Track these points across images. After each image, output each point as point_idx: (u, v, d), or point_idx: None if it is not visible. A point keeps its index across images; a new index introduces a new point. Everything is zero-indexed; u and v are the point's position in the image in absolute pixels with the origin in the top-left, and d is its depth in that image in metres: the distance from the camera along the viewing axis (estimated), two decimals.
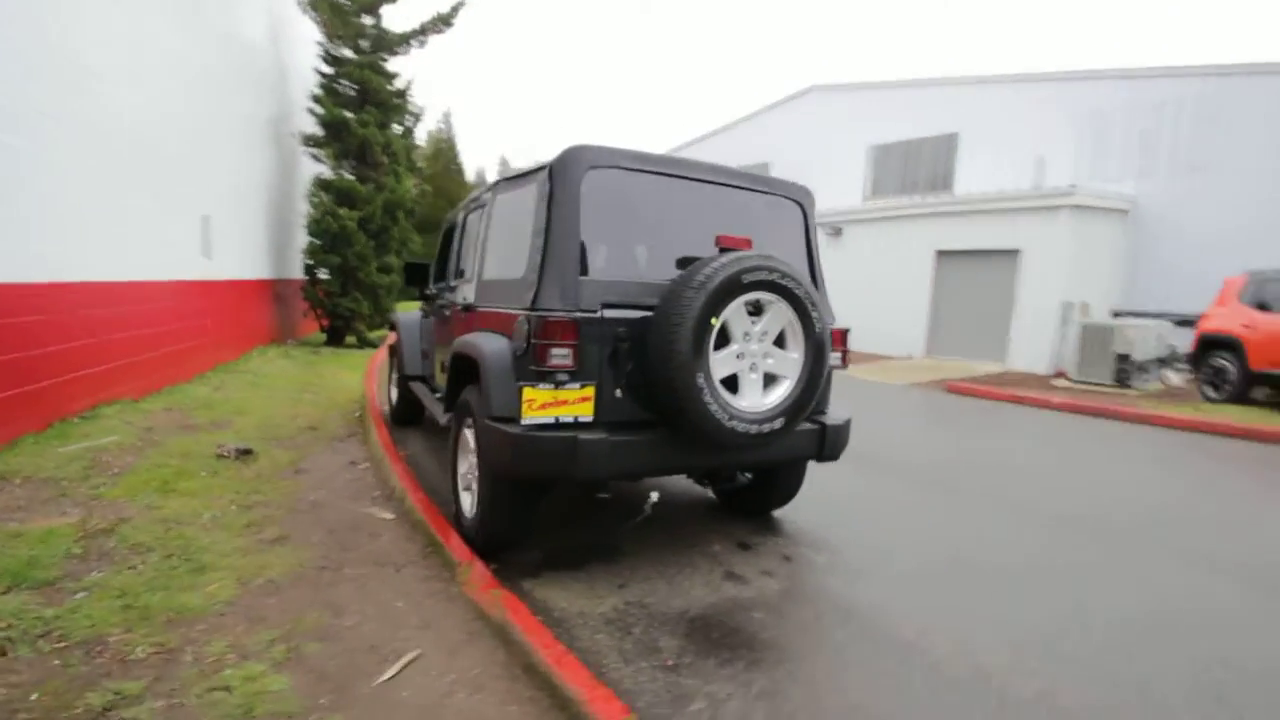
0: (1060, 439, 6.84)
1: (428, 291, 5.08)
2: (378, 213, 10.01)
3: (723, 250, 2.97)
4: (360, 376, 8.12)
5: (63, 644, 2.09)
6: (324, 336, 10.77)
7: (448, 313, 4.21)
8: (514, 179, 3.26)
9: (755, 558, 3.33)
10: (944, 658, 2.44)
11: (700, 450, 2.90)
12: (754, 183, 3.29)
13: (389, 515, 3.50)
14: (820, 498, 4.15)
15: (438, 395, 4.47)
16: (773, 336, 2.86)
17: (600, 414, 2.74)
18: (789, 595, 2.94)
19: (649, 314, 2.80)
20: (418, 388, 5.17)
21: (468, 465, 3.34)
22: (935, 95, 17.46)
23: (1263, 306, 8.11)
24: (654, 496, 3.96)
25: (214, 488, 3.76)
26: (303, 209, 10.16)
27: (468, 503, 3.30)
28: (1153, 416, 7.67)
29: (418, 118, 11.23)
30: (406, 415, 5.78)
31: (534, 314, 2.69)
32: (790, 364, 2.91)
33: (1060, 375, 11.62)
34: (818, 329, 2.90)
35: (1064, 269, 12.98)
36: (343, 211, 9.50)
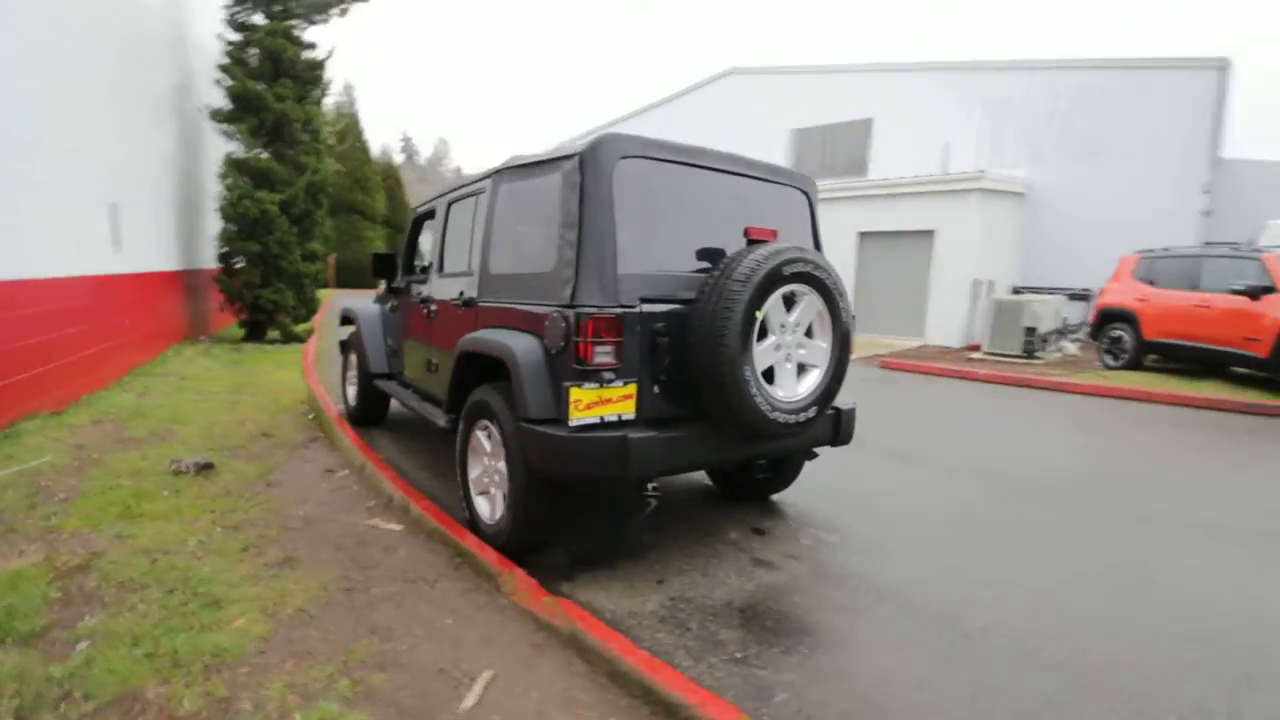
0: (997, 408, 7.40)
1: (395, 284, 4.78)
2: (300, 195, 9.27)
3: (750, 242, 2.98)
4: (298, 374, 7.57)
5: (92, 706, 1.83)
6: (242, 331, 9.92)
7: (433, 307, 3.98)
8: (527, 168, 3.10)
9: (773, 542, 3.40)
10: (977, 626, 2.60)
11: (738, 442, 2.92)
12: (765, 172, 3.30)
13: (396, 526, 3.30)
14: (803, 478, 4.27)
15: (423, 395, 4.24)
16: (804, 327, 2.91)
17: (640, 411, 2.69)
18: (819, 577, 3.03)
19: (685, 307, 2.77)
20: (389, 387, 4.88)
21: (481, 469, 3.20)
22: (851, 82, 18.15)
23: (1153, 283, 9.07)
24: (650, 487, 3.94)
25: (184, 509, 3.40)
26: (213, 191, 9.24)
27: (485, 508, 3.17)
28: (1068, 385, 8.44)
29: (324, 91, 10.43)
30: (369, 416, 5.45)
31: (574, 310, 2.59)
32: (820, 353, 2.96)
33: (973, 348, 12.52)
34: (845, 319, 2.97)
35: (973, 248, 13.93)
36: (262, 194, 8.72)
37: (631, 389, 2.64)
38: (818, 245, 3.48)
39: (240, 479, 3.97)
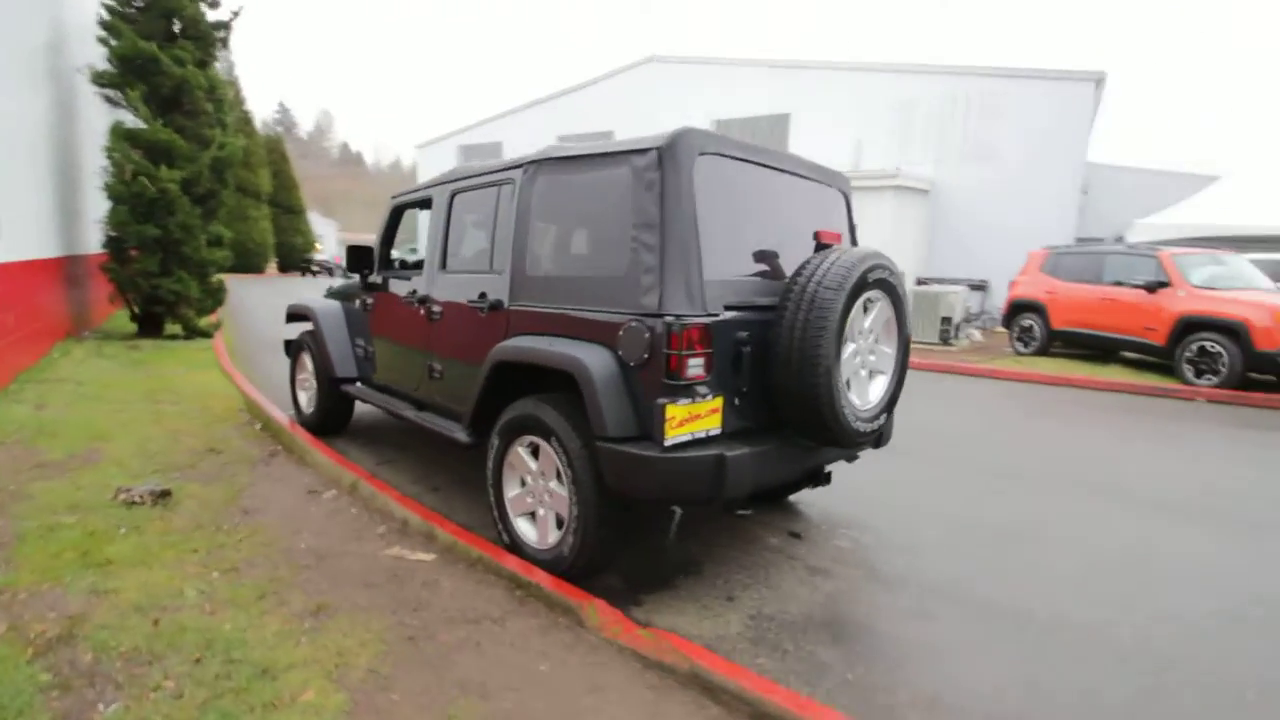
0: (933, 391, 7.84)
1: (372, 279, 4.29)
2: (204, 173, 8.20)
3: (819, 246, 2.89)
4: (219, 376, 6.73)
5: None
6: (134, 326, 8.69)
7: (435, 309, 3.59)
8: (578, 160, 2.82)
9: (815, 546, 3.37)
10: (1034, 613, 2.68)
11: (811, 453, 2.85)
12: (811, 170, 3.21)
13: (426, 556, 2.95)
14: None
15: (418, 404, 3.84)
16: (876, 334, 2.86)
17: (724, 426, 2.54)
18: (877, 580, 3.02)
19: (763, 315, 2.65)
20: (363, 392, 4.40)
21: (522, 488, 2.93)
22: (771, 76, 18.57)
23: (1059, 276, 9.96)
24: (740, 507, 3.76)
25: (158, 551, 2.87)
26: (95, 165, 7.97)
27: (530, 531, 2.91)
28: (991, 371, 9.12)
29: (215, 56, 9.28)
30: (330, 423, 4.91)
31: (660, 320, 2.39)
32: (886, 359, 2.93)
33: None
34: (907, 324, 2.96)
35: (890, 242, 14.71)
36: (161, 171, 7.62)
37: (718, 403, 2.49)
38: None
39: (207, 508, 3.43)
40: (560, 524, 2.81)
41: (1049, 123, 15.52)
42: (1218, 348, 7.70)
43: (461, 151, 26.08)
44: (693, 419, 2.41)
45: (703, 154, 2.56)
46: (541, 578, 2.64)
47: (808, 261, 2.65)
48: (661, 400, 2.35)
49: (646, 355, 2.42)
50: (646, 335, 2.42)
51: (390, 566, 2.86)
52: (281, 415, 5.13)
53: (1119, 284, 8.99)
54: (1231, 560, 3.37)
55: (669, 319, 2.38)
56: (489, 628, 2.41)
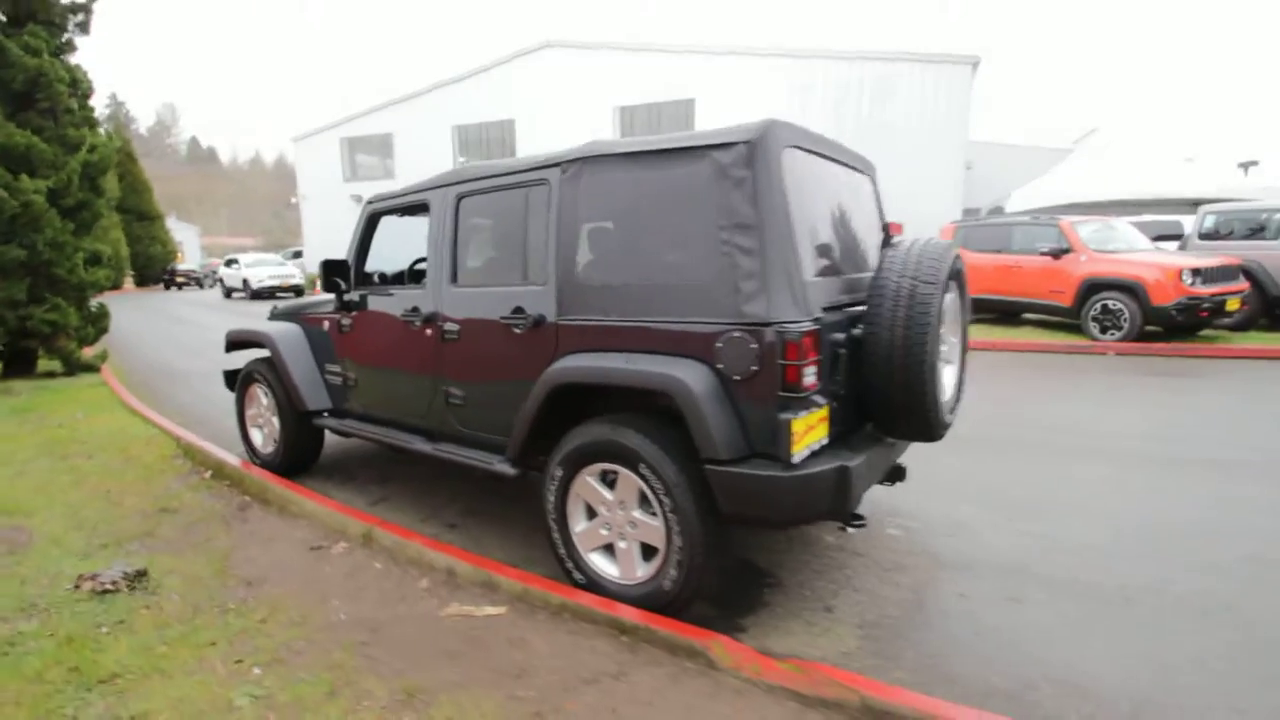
0: None
1: (350, 297, 3.78)
2: (74, 181, 6.99)
3: (886, 238, 2.82)
4: (130, 417, 5.81)
5: None
6: None
7: (448, 327, 3.20)
8: (638, 157, 2.56)
9: (872, 540, 3.34)
10: (1140, 588, 2.78)
11: (894, 449, 2.79)
12: (849, 158, 3.13)
13: (496, 609, 2.62)
14: None
15: (430, 435, 3.43)
16: (946, 324, 2.83)
17: (829, 434, 2.42)
18: (951, 568, 3.03)
19: (849, 312, 2.55)
20: (348, 426, 3.90)
21: (595, 521, 2.68)
22: (673, 61, 18.58)
23: (969, 247, 10.68)
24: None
25: (167, 650, 2.37)
26: None
27: (609, 566, 2.67)
28: None
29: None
30: (299, 462, 4.34)
31: (771, 328, 2.22)
32: (954, 349, 2.92)
33: None
34: (967, 314, 2.96)
35: None
36: (22, 181, 6.39)
37: (825, 411, 2.35)
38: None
39: (198, 585, 2.89)
40: (648, 556, 2.59)
41: (935, 104, 16.61)
42: (1119, 305, 8.55)
43: (346, 144, 24.26)
44: (809, 431, 2.26)
45: (788, 147, 2.40)
46: (649, 619, 2.41)
47: (891, 255, 2.56)
48: (785, 415, 2.19)
49: (755, 368, 2.24)
50: (754, 346, 2.24)
51: (460, 629, 2.51)
52: (231, 458, 4.48)
53: (1025, 252, 9.76)
54: (1237, 503, 3.69)
55: (780, 327, 2.21)
56: (613, 686, 2.16)
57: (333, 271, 3.68)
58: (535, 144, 20.55)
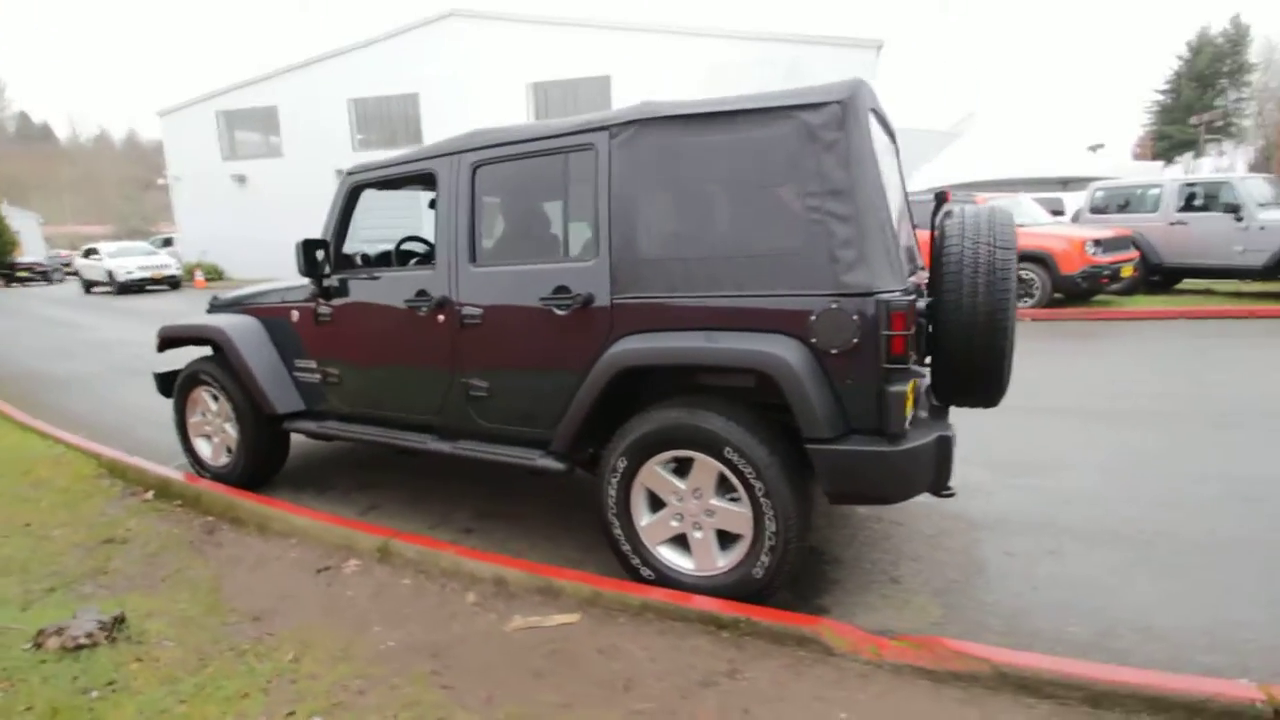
0: None
1: (328, 283, 3.32)
2: None
3: (939, 204, 2.79)
4: (21, 434, 4.92)
5: None
6: None
7: (467, 312, 2.86)
8: (709, 118, 2.34)
9: (903, 508, 3.36)
10: (1225, 539, 2.90)
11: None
12: (890, 125, 3.07)
13: (569, 617, 2.39)
14: None
15: (446, 433, 3.09)
16: None
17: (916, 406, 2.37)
18: (993, 529, 3.09)
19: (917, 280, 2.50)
20: (331, 428, 3.47)
21: (660, 513, 2.52)
22: (588, 37, 18.09)
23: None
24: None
25: (186, 711, 1.96)
26: None
27: (681, 560, 2.53)
28: None
29: None
30: (262, 473, 3.84)
31: (873, 299, 2.12)
32: None
33: None
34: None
35: None
36: None
37: (914, 382, 2.29)
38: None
39: (194, 626, 2.44)
40: (724, 544, 2.45)
41: None
42: (1031, 275, 9.25)
43: (223, 118, 21.90)
44: (911, 403, 2.20)
45: (870, 109, 2.29)
46: (747, 610, 2.27)
47: (954, 221, 2.52)
48: (896, 388, 2.10)
49: (856, 340, 2.14)
50: (854, 318, 2.13)
51: (536, 643, 2.26)
52: (173, 472, 3.88)
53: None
54: (1185, 445, 4.04)
55: (884, 297, 2.12)
56: (733, 686, 2.01)
57: (313, 252, 3.21)
58: (443, 120, 19.39)
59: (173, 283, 19.84)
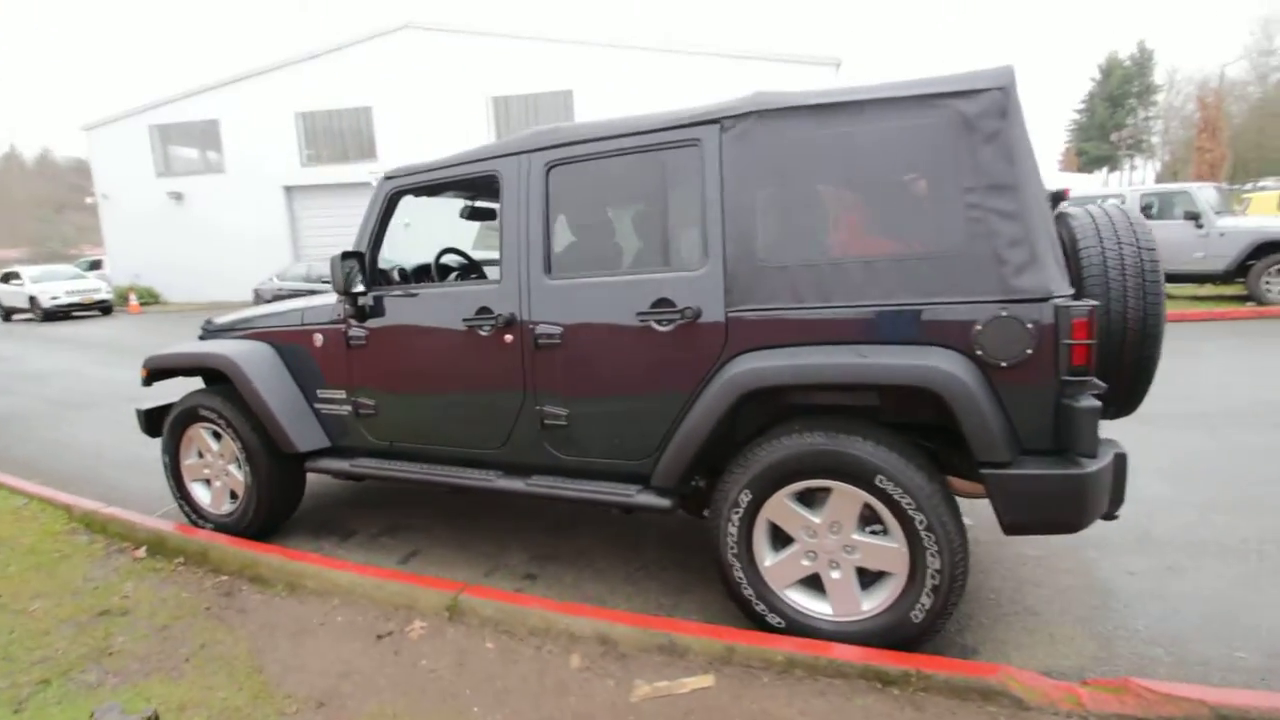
0: None
1: (362, 300, 2.92)
2: None
3: (1056, 203, 2.63)
4: None
5: None
6: None
7: (547, 331, 2.52)
8: (842, 106, 2.10)
9: (983, 527, 3.19)
10: (1234, 541, 2.84)
11: None
12: None
13: (702, 681, 2.06)
14: None
15: (521, 470, 2.72)
16: None
17: None
18: (1096, 546, 2.92)
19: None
20: (368, 466, 3.04)
21: (787, 552, 2.24)
22: (552, 51, 17.83)
23: None
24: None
25: None
26: None
27: (816, 604, 2.26)
28: None
29: None
30: (276, 520, 3.36)
31: (1049, 304, 1.91)
32: None
33: None
34: None
35: None
36: None
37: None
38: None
39: (240, 717, 2.00)
40: (865, 584, 2.18)
41: None
42: None
43: (157, 133, 20.58)
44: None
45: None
46: (914, 661, 2.00)
47: (1085, 222, 2.35)
48: (1085, 403, 1.89)
49: (1030, 351, 1.93)
50: (1029, 326, 1.92)
51: (673, 715, 1.93)
52: (163, 523, 3.36)
53: None
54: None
55: (1062, 302, 1.91)
56: None
57: (353, 267, 2.80)
58: (398, 135, 18.75)
59: (104, 308, 18.39)
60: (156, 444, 3.50)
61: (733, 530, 2.25)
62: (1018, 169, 1.96)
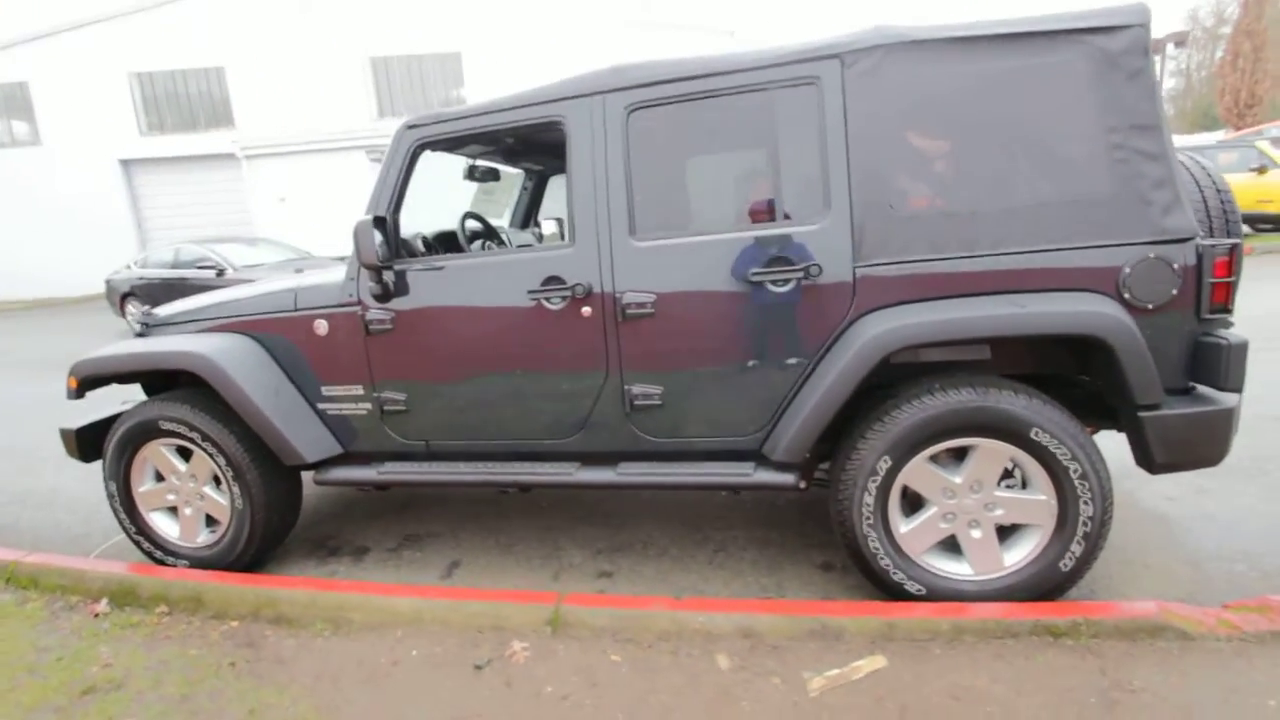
0: None
1: (387, 276, 2.44)
2: None
3: None
4: None
5: None
6: None
7: (636, 301, 2.23)
8: (973, 41, 1.96)
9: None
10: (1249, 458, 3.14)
11: None
12: None
13: (873, 662, 1.92)
14: None
15: (600, 458, 2.42)
16: None
17: None
18: (1122, 476, 3.11)
19: None
20: (399, 471, 2.61)
21: (925, 515, 2.16)
22: (437, 10, 16.49)
23: None
24: None
25: None
26: None
27: (957, 566, 2.20)
28: None
29: None
30: (271, 544, 2.84)
31: (1192, 244, 1.92)
32: None
33: None
34: None
35: None
36: None
37: None
38: None
39: None
40: (1004, 538, 2.15)
41: None
42: None
43: None
44: None
45: None
46: (1078, 610, 1.99)
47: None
48: (1234, 340, 1.92)
49: (1175, 291, 1.93)
50: (1175, 267, 1.92)
51: (864, 705, 1.79)
52: (117, 566, 2.73)
53: None
54: None
55: (1205, 242, 1.93)
56: (1141, 702, 1.71)
57: (380, 235, 2.32)
58: (262, 99, 16.67)
59: None
60: (43, 470, 2.81)
61: (869, 500, 2.11)
62: (1158, 108, 1.94)
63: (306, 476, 2.87)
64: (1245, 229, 9.26)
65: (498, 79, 16.56)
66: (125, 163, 17.05)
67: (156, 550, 2.82)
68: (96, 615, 2.52)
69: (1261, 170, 10.85)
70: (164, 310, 2.99)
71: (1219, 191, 2.29)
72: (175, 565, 2.78)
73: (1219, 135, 17.19)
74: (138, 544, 2.83)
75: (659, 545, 2.85)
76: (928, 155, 2.06)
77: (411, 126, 2.44)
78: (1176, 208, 1.93)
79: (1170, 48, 2.40)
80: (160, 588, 2.57)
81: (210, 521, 2.81)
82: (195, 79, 16.79)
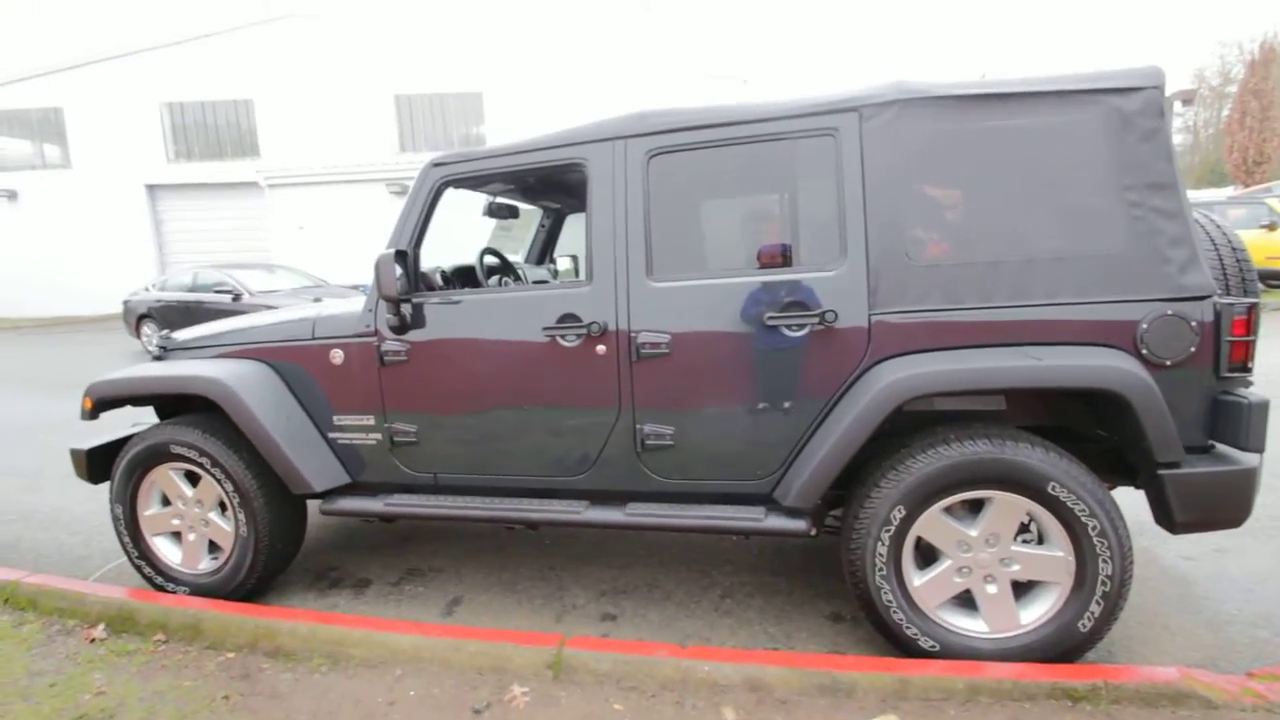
0: None
1: (405, 309, 2.47)
2: None
3: None
4: None
5: None
6: None
7: (650, 340, 2.24)
8: (991, 99, 2.01)
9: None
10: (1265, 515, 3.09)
11: None
12: None
13: None
14: None
15: (614, 497, 2.40)
16: None
17: None
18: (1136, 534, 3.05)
19: None
20: (406, 505, 2.59)
21: (936, 569, 2.12)
22: (461, 50, 17.07)
23: None
24: None
25: None
26: None
27: (970, 622, 2.15)
28: None
29: None
30: (272, 573, 2.80)
31: (1209, 302, 1.92)
32: None
33: None
34: None
35: None
36: None
37: None
38: None
39: None
40: (1019, 596, 2.10)
41: None
42: None
43: None
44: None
45: None
46: (1098, 674, 1.92)
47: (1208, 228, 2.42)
48: (1254, 400, 1.90)
49: (1192, 349, 1.92)
50: (1193, 325, 1.92)
51: None
52: (117, 591, 2.71)
53: None
54: None
55: (1222, 300, 1.93)
56: None
57: (401, 269, 2.35)
58: (288, 131, 17.16)
59: None
60: (45, 489, 2.80)
61: (882, 550, 2.08)
62: (1175, 168, 1.96)
63: (311, 506, 2.87)
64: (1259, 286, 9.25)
65: (517, 118, 16.99)
66: (151, 187, 17.49)
67: (157, 576, 2.79)
68: (93, 640, 2.49)
69: (1272, 226, 10.80)
70: (182, 334, 3.02)
71: (1234, 250, 2.30)
72: (175, 591, 2.75)
73: (1229, 191, 17.40)
74: (139, 568, 2.80)
75: (664, 588, 2.79)
76: (944, 207, 2.08)
77: (437, 164, 2.50)
78: (1194, 266, 1.93)
79: (1178, 105, 2.44)
80: (159, 615, 2.53)
81: (213, 548, 2.79)
82: (224, 110, 17.33)
